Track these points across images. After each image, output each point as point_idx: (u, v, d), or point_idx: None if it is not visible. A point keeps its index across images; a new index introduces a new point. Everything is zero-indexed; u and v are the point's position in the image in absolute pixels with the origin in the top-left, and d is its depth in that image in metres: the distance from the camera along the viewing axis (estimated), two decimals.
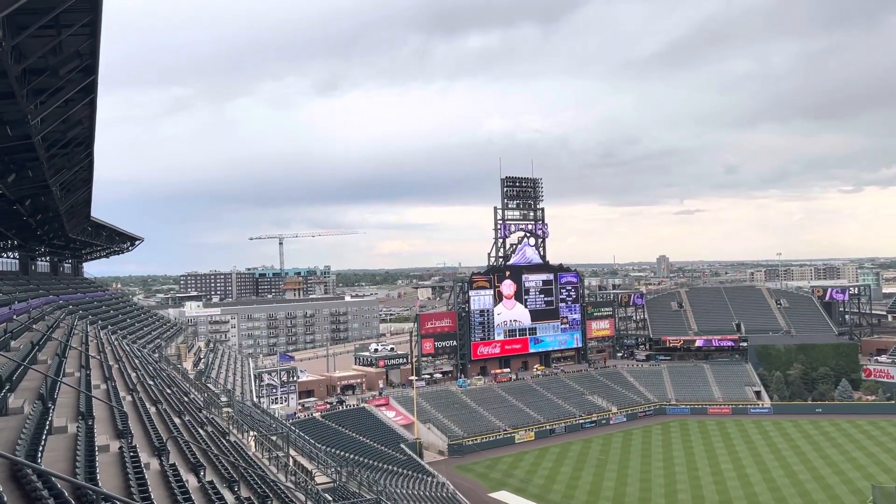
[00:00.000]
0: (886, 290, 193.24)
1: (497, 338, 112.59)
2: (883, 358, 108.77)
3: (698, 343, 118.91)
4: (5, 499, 7.81)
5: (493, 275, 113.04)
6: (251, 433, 36.62)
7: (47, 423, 14.05)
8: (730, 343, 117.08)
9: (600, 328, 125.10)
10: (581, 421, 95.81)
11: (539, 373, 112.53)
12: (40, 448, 11.95)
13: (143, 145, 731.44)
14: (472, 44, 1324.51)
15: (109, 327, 53.88)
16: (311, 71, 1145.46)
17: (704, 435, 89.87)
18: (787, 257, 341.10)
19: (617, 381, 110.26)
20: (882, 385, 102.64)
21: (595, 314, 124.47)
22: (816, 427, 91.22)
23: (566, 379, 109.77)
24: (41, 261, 70.65)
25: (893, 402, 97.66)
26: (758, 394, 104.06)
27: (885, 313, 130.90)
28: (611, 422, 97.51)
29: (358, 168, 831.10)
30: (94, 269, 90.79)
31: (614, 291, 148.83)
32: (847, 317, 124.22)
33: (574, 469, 77.18)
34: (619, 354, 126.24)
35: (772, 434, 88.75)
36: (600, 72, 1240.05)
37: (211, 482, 15.80)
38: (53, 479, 9.32)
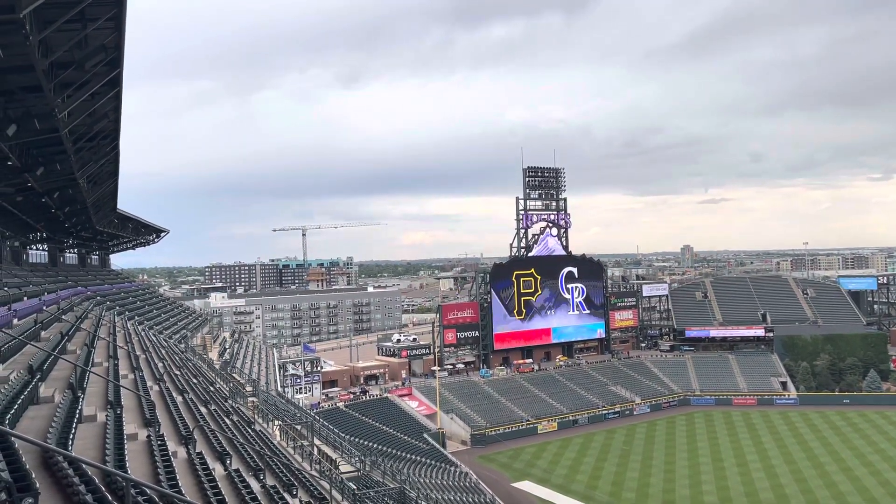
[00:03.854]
0: None
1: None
2: None
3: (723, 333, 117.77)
4: (38, 485, 7.96)
5: (515, 265, 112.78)
6: (276, 422, 37.00)
7: (77, 411, 14.30)
8: (755, 333, 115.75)
9: (624, 318, 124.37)
10: (604, 412, 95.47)
11: (562, 363, 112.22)
12: (71, 436, 12.17)
13: (169, 138, 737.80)
14: (496, 33, 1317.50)
15: (136, 318, 54.66)
16: (333, 63, 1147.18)
17: (729, 426, 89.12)
18: (813, 247, 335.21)
19: (640, 371, 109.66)
20: None
21: (618, 304, 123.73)
22: (844, 418, 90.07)
23: (589, 369, 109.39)
24: (69, 253, 71.78)
25: None
26: (784, 384, 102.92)
27: None
28: (634, 412, 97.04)
29: (380, 159, 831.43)
30: (120, 260, 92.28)
31: (638, 282, 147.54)
32: (875, 307, 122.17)
33: (597, 460, 76.99)
34: (643, 345, 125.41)
35: (798, 425, 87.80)
36: (624, 61, 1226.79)
37: (237, 470, 15.99)
38: (84, 465, 9.48)
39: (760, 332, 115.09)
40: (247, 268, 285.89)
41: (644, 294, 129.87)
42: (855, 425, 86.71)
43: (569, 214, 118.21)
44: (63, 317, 31.90)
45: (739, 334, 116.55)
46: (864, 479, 66.64)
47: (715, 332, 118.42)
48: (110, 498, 8.60)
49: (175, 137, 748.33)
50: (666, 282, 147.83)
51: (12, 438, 9.04)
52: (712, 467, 72.53)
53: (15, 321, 25.95)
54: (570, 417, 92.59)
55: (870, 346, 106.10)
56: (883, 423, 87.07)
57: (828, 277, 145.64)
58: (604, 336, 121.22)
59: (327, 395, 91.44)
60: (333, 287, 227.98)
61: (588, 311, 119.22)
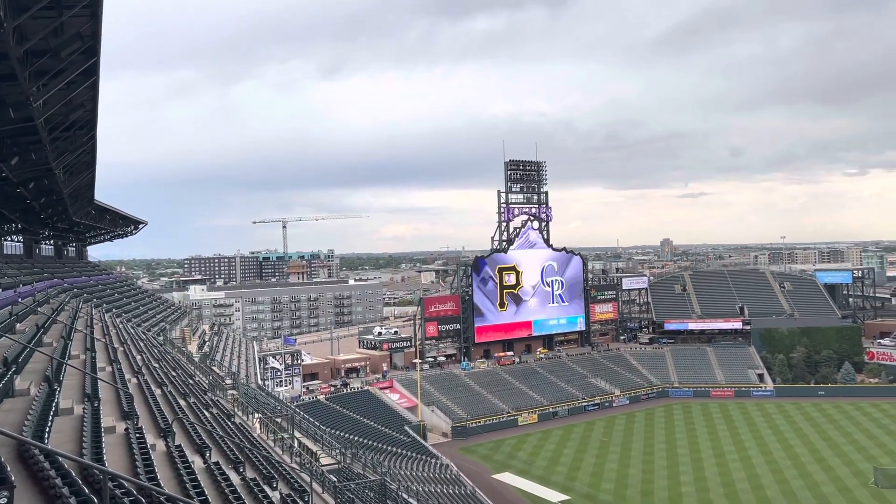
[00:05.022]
0: (890, 273, 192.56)
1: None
2: (886, 341, 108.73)
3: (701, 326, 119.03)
4: (13, 479, 7.85)
5: (497, 258, 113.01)
6: (256, 415, 36.85)
7: (53, 404, 14.13)
8: (733, 326, 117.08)
9: (604, 311, 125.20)
10: (584, 403, 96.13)
11: (542, 356, 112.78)
12: (47, 429, 12.02)
13: (147, 129, 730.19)
14: (479, 26, 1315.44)
15: (114, 310, 54.10)
16: (316, 54, 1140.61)
17: (707, 417, 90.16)
18: (791, 241, 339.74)
19: (620, 363, 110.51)
20: (885, 368, 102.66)
21: (598, 297, 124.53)
22: (819, 410, 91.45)
23: (569, 362, 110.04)
24: (45, 244, 70.77)
25: None
26: (761, 377, 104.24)
27: (888, 296, 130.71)
28: (614, 404, 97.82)
29: (362, 151, 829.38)
30: (98, 252, 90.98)
31: (617, 275, 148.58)
32: (851, 300, 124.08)
33: (577, 451, 77.57)
34: (623, 337, 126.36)
35: (774, 417, 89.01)
36: (606, 55, 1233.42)
37: (217, 463, 15.90)
38: (60, 459, 9.37)
39: (738, 325, 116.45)
40: (226, 260, 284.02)
41: (624, 287, 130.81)
42: (830, 416, 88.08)
43: (550, 208, 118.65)
44: (39, 309, 31.50)
45: (717, 327, 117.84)
46: (837, 469, 67.75)
47: (693, 325, 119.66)
48: (87, 491, 8.50)
49: (154, 128, 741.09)
50: (645, 275, 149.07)
51: None
52: (690, 458, 73.33)
53: None
54: (551, 409, 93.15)
55: (844, 338, 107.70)
56: (857, 414, 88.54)
57: (804, 271, 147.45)
58: (584, 329, 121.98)
59: (308, 388, 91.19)
60: (314, 280, 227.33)
61: (568, 304, 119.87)
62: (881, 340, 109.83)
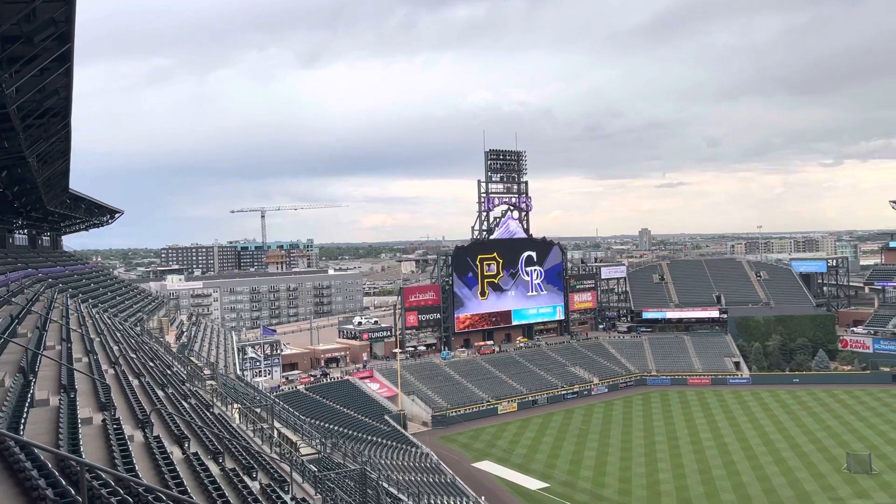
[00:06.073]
0: (864, 262, 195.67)
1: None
2: (859, 329, 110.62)
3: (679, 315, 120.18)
4: None
5: (477, 248, 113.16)
6: (235, 406, 36.67)
7: (29, 395, 13.94)
8: (710, 315, 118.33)
9: (582, 300, 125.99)
10: (563, 392, 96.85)
11: (522, 345, 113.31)
12: (22, 420, 11.86)
13: (123, 117, 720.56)
14: (459, 15, 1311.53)
15: (90, 301, 53.42)
16: (294, 42, 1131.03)
17: (684, 405, 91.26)
18: (767, 230, 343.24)
19: (599, 352, 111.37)
20: (858, 355, 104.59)
21: (577, 287, 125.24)
22: (794, 397, 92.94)
23: (549, 351, 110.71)
24: (19, 233, 69.55)
25: (869, 371, 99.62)
26: (737, 364, 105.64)
27: (862, 285, 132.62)
28: (592, 393, 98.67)
29: (341, 140, 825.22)
30: (73, 242, 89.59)
31: (596, 265, 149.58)
32: (825, 289, 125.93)
33: (556, 439, 78.18)
34: (601, 326, 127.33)
35: (750, 404, 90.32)
36: (585, 45, 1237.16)
37: (196, 454, 15.81)
38: (37, 450, 9.25)
39: (715, 314, 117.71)
40: (204, 250, 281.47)
41: (602, 276, 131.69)
42: (804, 403, 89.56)
43: (530, 198, 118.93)
44: (13, 299, 31.00)
45: (695, 316, 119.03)
46: (811, 455, 68.97)
47: (671, 314, 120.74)
48: (64, 483, 8.41)
49: (130, 116, 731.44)
50: (624, 264, 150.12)
51: None
52: (667, 445, 74.24)
53: None
54: (530, 398, 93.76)
55: (819, 326, 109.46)
56: (830, 401, 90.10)
57: (780, 260, 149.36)
58: (563, 318, 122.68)
59: (287, 378, 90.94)
60: (293, 270, 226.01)
61: (548, 293, 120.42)
62: (854, 328, 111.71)
